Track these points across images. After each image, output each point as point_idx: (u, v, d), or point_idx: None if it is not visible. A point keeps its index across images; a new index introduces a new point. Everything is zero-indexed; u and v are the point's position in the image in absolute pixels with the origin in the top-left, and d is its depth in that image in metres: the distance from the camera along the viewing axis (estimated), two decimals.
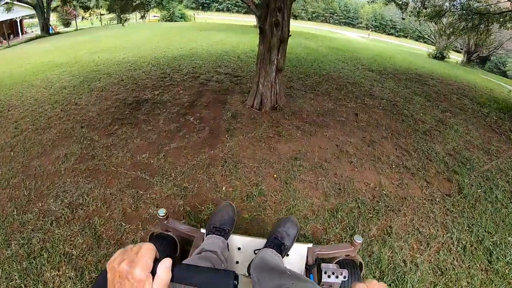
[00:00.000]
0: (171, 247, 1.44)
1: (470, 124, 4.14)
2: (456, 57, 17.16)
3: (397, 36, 34.56)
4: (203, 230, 1.43)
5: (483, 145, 3.51)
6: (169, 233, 1.45)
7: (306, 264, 1.36)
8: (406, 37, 35.32)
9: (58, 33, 16.87)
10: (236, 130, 3.02)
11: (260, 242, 1.37)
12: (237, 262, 1.40)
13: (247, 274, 1.26)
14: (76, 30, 18.10)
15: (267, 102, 3.30)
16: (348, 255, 1.40)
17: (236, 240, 1.41)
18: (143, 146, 2.76)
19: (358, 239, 1.34)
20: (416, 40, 32.76)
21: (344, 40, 14.39)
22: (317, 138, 2.99)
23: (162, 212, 1.40)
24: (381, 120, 3.61)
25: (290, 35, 3.10)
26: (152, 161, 2.52)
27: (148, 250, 0.45)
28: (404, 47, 18.69)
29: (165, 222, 1.43)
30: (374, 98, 4.43)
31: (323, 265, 1.21)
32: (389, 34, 34.32)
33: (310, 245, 1.39)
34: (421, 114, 4.09)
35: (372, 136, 3.14)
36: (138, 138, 2.90)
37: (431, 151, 3.08)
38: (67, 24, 21.11)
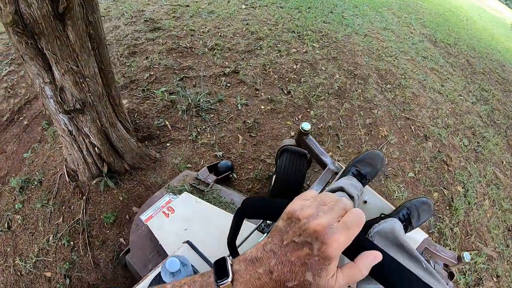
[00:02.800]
0: (302, 163, 1.37)
1: None
2: None
3: None
4: (339, 165, 1.30)
5: None
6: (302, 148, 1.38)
7: None
8: None
9: None
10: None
11: (387, 206, 1.22)
12: None
13: None
14: None
15: (82, 168, 1.39)
16: (447, 266, 1.21)
17: (366, 191, 1.25)
18: None
19: (467, 257, 1.13)
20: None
21: None
22: None
23: (307, 126, 1.28)
24: None
25: None
26: None
27: (359, 221, 0.31)
28: (485, 6, 13.51)
29: (305, 137, 1.33)
30: (419, 140, 2.08)
31: (439, 269, 1.16)
32: None
33: (427, 235, 1.20)
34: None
35: None
36: None
37: None
38: None
